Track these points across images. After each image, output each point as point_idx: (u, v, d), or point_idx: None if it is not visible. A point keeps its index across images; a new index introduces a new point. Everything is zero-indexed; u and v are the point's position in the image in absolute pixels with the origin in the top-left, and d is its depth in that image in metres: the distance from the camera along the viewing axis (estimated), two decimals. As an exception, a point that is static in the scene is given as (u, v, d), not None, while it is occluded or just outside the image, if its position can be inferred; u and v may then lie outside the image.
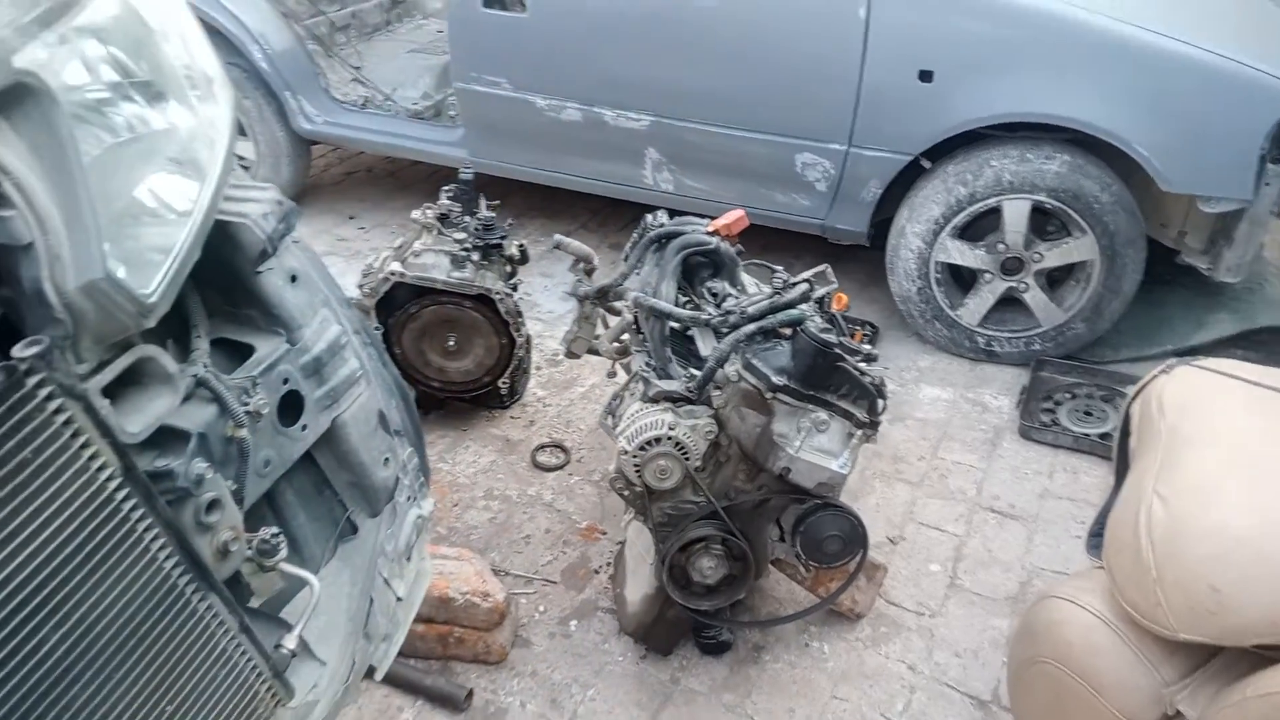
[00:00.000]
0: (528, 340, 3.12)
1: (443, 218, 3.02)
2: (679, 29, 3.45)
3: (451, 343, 3.03)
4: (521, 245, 3.09)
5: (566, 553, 2.73)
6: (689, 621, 2.31)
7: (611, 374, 2.84)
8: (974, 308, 3.50)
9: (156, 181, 1.03)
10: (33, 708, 0.89)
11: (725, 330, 2.12)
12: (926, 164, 3.37)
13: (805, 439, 2.01)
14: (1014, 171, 3.19)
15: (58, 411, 0.86)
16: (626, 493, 2.15)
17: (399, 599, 1.51)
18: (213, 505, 1.08)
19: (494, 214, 3.06)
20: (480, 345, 3.04)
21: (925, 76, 3.18)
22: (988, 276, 3.42)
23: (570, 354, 2.77)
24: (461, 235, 2.97)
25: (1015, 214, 3.26)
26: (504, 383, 3.12)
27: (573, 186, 4.07)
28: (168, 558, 1.00)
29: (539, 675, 2.35)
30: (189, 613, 1.04)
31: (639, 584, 2.37)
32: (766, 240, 3.73)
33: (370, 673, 1.47)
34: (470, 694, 2.26)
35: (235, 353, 1.27)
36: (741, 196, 3.56)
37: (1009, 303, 3.49)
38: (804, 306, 2.10)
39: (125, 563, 0.95)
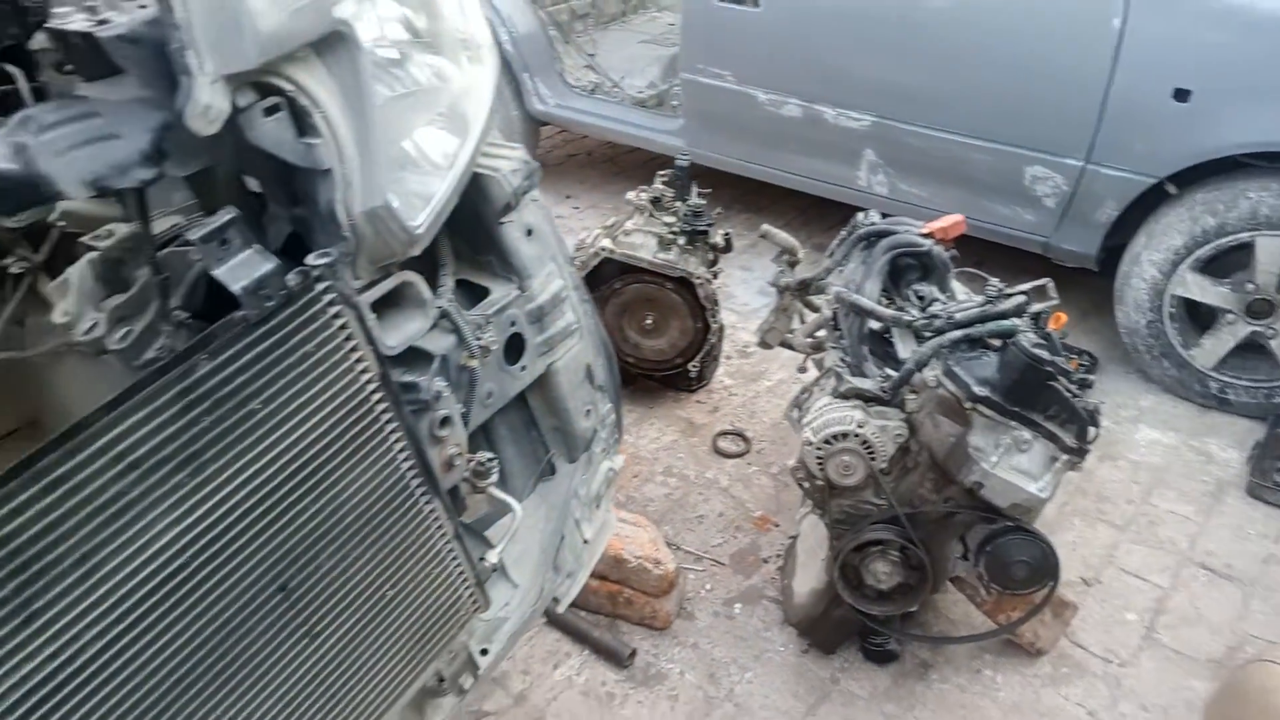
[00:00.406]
0: (720, 328, 3.18)
1: (655, 201, 3.12)
2: (912, 29, 3.37)
3: (649, 321, 3.13)
4: (727, 234, 3.15)
5: (737, 538, 2.76)
6: (856, 624, 2.28)
7: (802, 369, 2.84)
8: (1210, 349, 3.20)
9: (427, 132, 1.16)
10: (285, 569, 1.04)
11: (928, 334, 2.07)
12: (1172, 189, 3.11)
13: (1003, 456, 1.93)
14: (1274, 206, 2.88)
15: (336, 316, 1.00)
16: (806, 484, 2.15)
17: (585, 541, 1.61)
18: (445, 421, 1.21)
19: (704, 202, 3.13)
20: (676, 327, 3.13)
21: (1181, 96, 2.93)
22: (1230, 317, 3.11)
23: (764, 344, 2.80)
24: (671, 219, 3.06)
25: (1270, 252, 2.95)
26: (694, 366, 3.20)
27: (784, 183, 4.08)
28: (405, 459, 1.13)
29: (700, 649, 2.40)
30: (415, 511, 1.17)
31: (808, 578, 2.36)
32: (981, 253, 3.58)
33: (554, 603, 1.58)
34: (634, 653, 2.35)
35: (471, 293, 1.40)
36: (960, 205, 3.42)
37: (1251, 348, 3.15)
38: (1017, 320, 2.01)
39: (371, 456, 1.09)
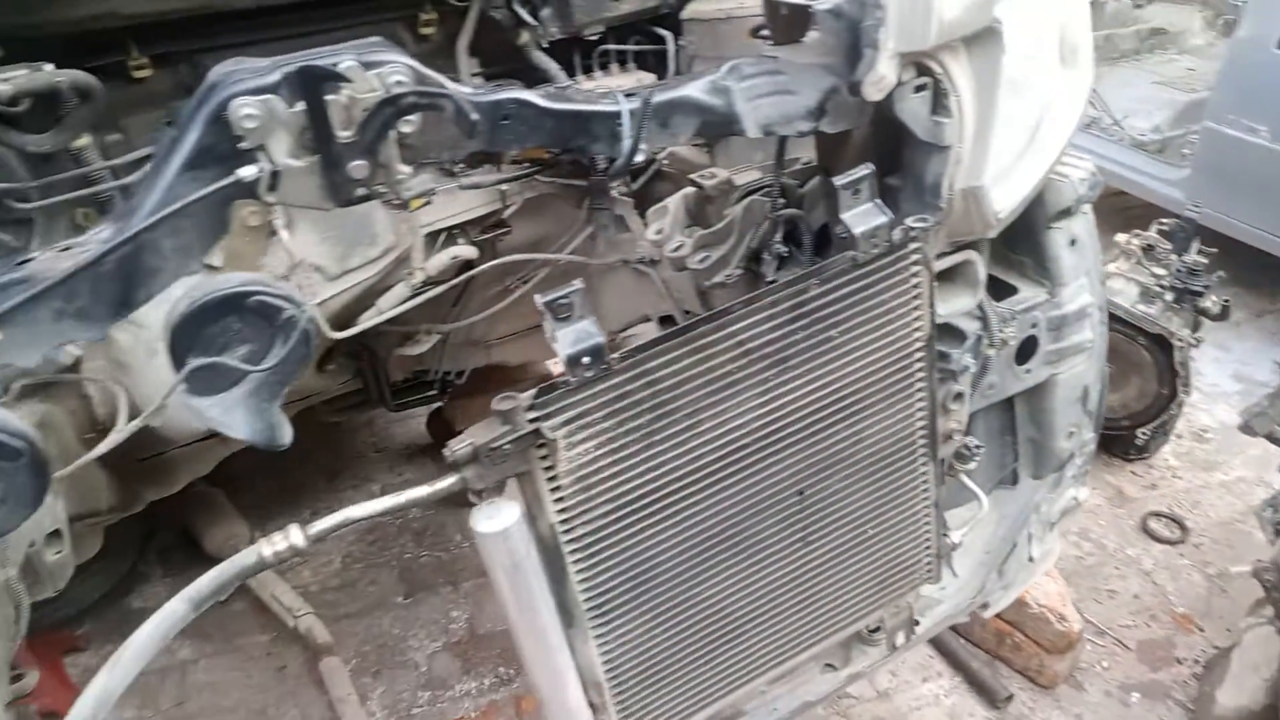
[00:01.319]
0: (1182, 401, 2.88)
1: (1147, 249, 2.90)
2: None
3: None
4: (1225, 302, 2.83)
5: (1151, 627, 2.52)
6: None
7: (1286, 470, 2.49)
8: None
9: (1026, 127, 1.23)
10: (807, 477, 1.20)
11: None
12: None
13: None
14: None
15: (915, 275, 1.13)
16: (1275, 593, 1.91)
17: (1031, 559, 1.60)
18: (958, 396, 1.29)
19: (1205, 261, 2.84)
20: (1135, 386, 2.89)
21: None
22: None
23: (1246, 429, 2.49)
24: (1161, 271, 2.83)
25: None
26: (1144, 434, 2.94)
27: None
28: (920, 418, 1.24)
29: (1082, 721, 2.25)
30: (913, 467, 1.27)
31: (1239, 693, 2.09)
32: None
33: (983, 608, 1.61)
34: (1010, 697, 2.28)
35: (993, 287, 1.46)
36: None
37: None
38: None
39: (898, 404, 1.21)
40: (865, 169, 1.06)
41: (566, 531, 1.07)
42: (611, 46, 1.84)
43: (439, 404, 3.20)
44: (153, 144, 1.42)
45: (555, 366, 3.01)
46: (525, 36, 1.70)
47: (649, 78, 1.84)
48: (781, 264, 1.32)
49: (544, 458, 1.01)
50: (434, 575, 2.80)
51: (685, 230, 1.56)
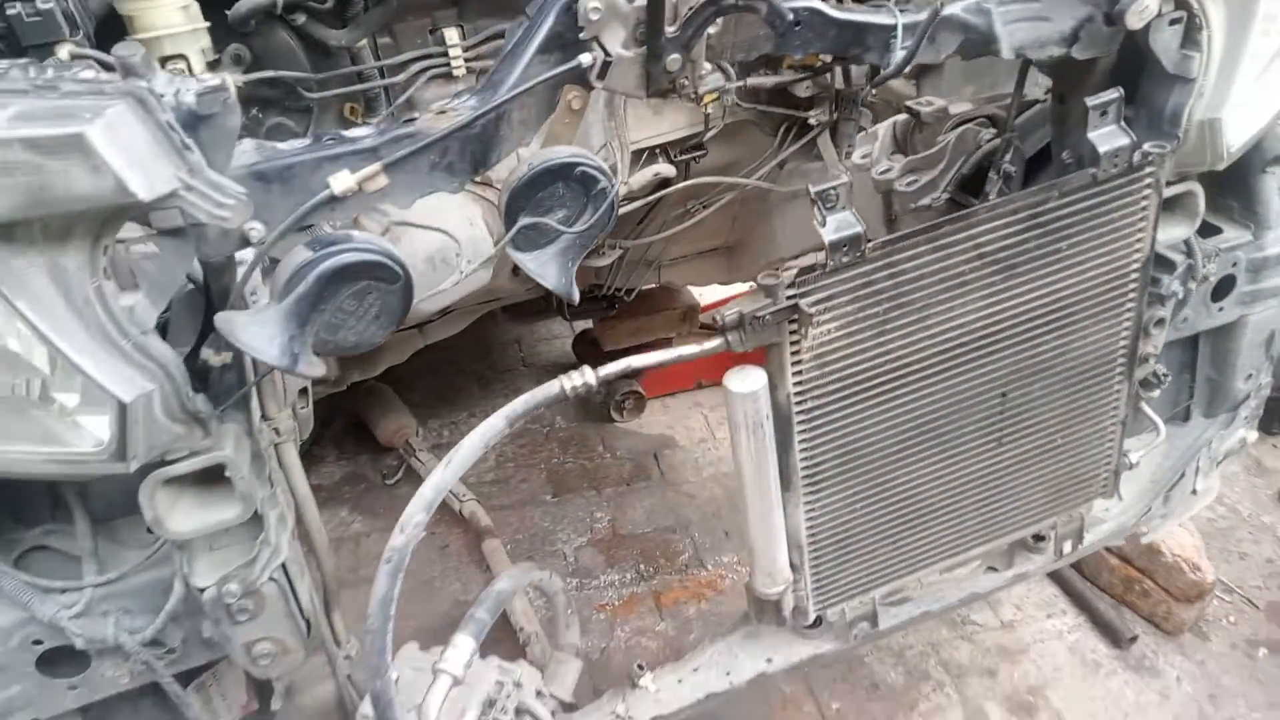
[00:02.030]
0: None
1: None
2: None
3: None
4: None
5: (1274, 591, 2.55)
6: None
7: None
8: None
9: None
10: (1012, 380, 1.30)
11: None
12: None
13: None
14: None
15: (1145, 198, 1.21)
16: None
17: (1194, 492, 1.68)
18: (1160, 322, 1.37)
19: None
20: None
21: None
22: None
23: None
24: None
25: None
26: (1295, 406, 2.91)
27: None
28: (1124, 337, 1.33)
29: (1206, 669, 2.31)
30: (1110, 384, 1.37)
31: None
32: None
33: (1140, 534, 1.69)
34: (1135, 639, 2.35)
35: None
36: None
37: None
38: None
39: (1107, 321, 1.30)
40: (1115, 93, 1.14)
41: (799, 403, 1.21)
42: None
43: (586, 326, 3.41)
44: (421, 49, 1.59)
45: (703, 299, 3.19)
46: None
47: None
48: (1000, 185, 1.41)
49: (794, 333, 1.15)
50: (578, 480, 3.01)
51: (891, 155, 1.66)
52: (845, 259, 1.11)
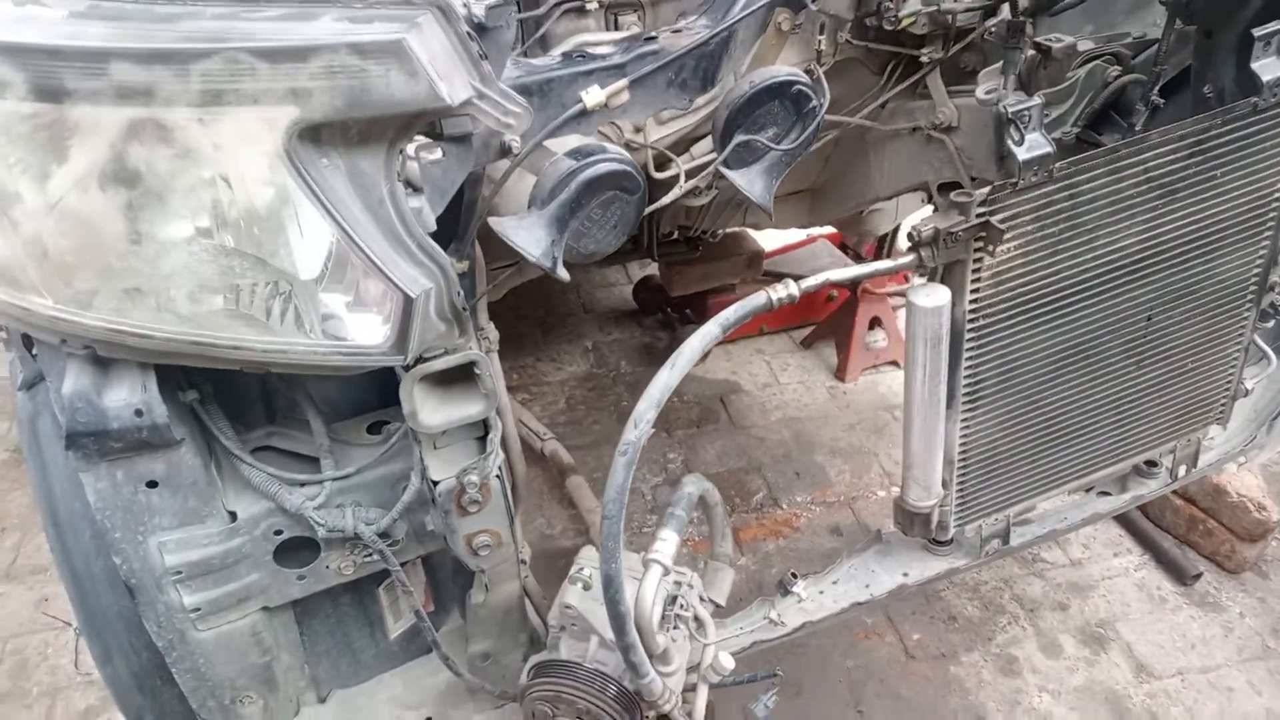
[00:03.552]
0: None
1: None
2: None
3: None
4: None
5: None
6: None
7: None
8: None
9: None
10: (1159, 304, 1.38)
11: None
12: None
13: None
14: None
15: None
16: None
17: (1292, 423, 1.77)
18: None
19: None
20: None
21: None
22: None
23: None
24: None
25: None
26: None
27: None
28: (1259, 263, 1.41)
29: (1268, 605, 2.43)
30: (1240, 312, 1.45)
31: None
32: None
33: (1240, 462, 1.78)
34: (1199, 576, 2.46)
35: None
36: None
37: None
38: None
39: (1245, 251, 1.38)
40: (1275, 27, 1.21)
41: (971, 321, 1.28)
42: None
43: (647, 273, 3.47)
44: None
45: (767, 246, 3.25)
46: None
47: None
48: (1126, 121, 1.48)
49: (978, 250, 1.22)
50: (648, 423, 3.08)
51: (1015, 91, 1.72)
52: (1035, 178, 1.18)
